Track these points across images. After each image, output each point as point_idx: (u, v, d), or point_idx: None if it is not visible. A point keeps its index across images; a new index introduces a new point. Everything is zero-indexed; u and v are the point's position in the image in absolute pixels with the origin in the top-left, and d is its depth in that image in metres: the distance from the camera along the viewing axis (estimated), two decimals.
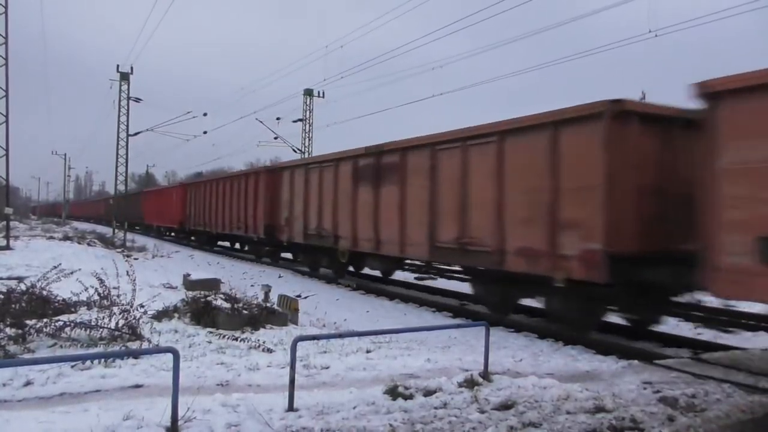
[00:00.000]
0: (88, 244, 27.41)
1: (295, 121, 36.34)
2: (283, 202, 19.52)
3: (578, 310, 9.24)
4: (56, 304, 8.30)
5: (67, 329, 7.07)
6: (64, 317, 7.55)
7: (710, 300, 10.72)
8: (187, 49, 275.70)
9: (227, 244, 29.81)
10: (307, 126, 36.47)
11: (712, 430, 4.73)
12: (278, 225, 19.84)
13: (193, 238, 33.05)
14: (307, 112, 36.54)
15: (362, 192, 14.68)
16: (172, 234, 38.59)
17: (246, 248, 26.67)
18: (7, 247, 22.42)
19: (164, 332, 7.92)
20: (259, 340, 7.67)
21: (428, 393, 5.50)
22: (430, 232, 12.01)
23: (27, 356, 6.46)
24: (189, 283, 12.94)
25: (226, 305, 8.84)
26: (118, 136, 34.75)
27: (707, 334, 10.00)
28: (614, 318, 9.90)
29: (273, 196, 20.26)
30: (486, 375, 6.05)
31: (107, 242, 29.88)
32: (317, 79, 54.36)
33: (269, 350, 7.30)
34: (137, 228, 46.70)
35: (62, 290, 8.70)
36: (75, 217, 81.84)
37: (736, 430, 4.82)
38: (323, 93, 36.31)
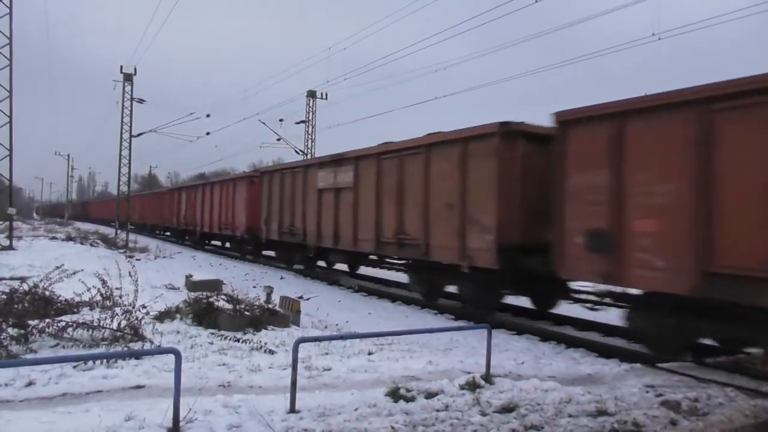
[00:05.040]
0: (91, 245, 27.45)
1: (297, 123, 36.33)
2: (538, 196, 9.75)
3: None
4: (59, 304, 8.32)
5: (70, 329, 7.09)
6: (67, 317, 7.56)
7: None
8: (190, 50, 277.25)
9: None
10: (310, 127, 36.47)
11: None
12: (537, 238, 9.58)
13: (271, 252, 22.98)
14: (310, 114, 36.51)
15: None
16: (211, 243, 31.10)
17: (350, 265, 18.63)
18: (10, 247, 22.45)
19: (166, 333, 7.93)
20: (260, 342, 7.68)
21: (430, 395, 5.50)
22: None
23: (29, 356, 6.47)
24: (191, 284, 12.95)
25: (228, 306, 8.84)
26: (121, 137, 34.75)
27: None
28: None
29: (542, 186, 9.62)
30: (488, 377, 6.05)
31: (110, 243, 29.91)
32: (320, 80, 54.55)
33: (271, 351, 7.31)
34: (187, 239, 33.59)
35: (65, 290, 8.72)
36: (93, 220, 68.16)
37: None
38: (326, 95, 36.29)
